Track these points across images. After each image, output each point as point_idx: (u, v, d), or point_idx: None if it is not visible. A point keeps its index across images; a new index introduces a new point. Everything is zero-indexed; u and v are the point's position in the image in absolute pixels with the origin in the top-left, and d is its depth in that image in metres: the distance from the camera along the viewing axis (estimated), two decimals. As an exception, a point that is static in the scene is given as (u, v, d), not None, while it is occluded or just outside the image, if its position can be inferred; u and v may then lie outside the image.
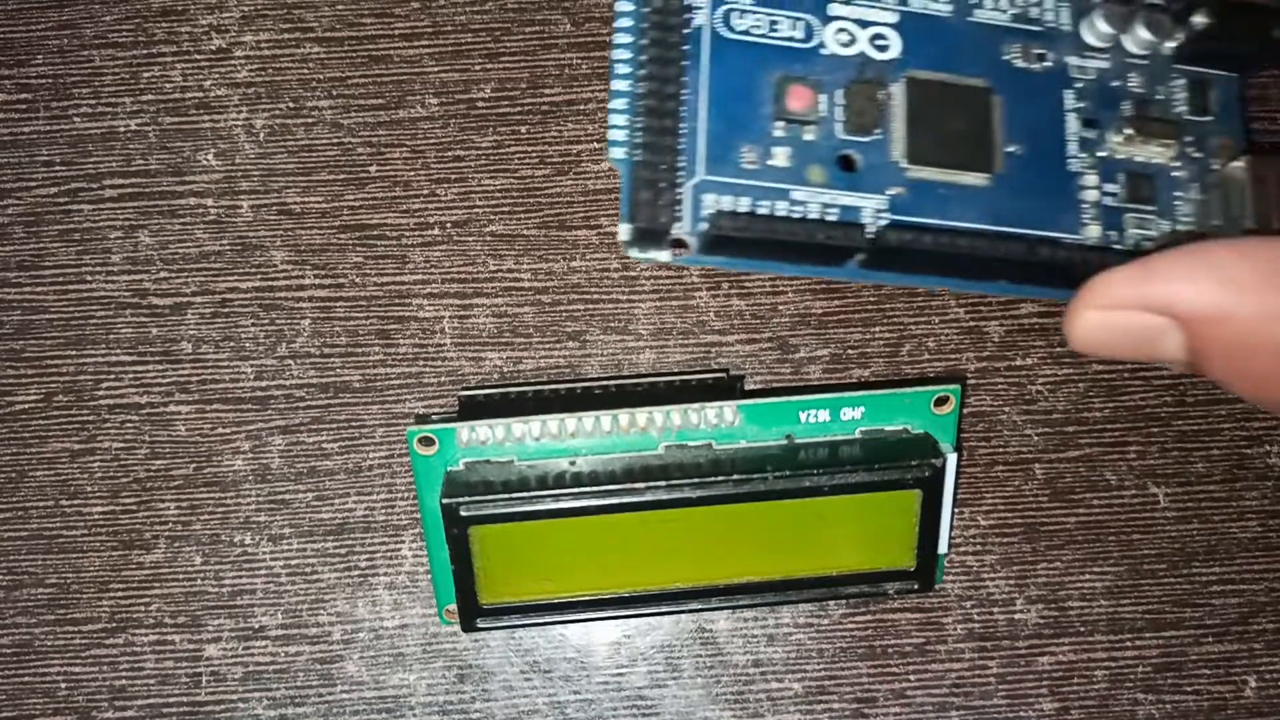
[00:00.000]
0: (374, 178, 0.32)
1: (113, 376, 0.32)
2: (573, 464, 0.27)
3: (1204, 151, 0.30)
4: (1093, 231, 0.29)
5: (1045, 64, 0.30)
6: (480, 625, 0.28)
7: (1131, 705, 0.31)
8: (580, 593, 0.28)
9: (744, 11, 0.28)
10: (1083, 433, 0.32)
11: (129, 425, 0.31)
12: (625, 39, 0.27)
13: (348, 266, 0.32)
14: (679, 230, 0.27)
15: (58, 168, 0.32)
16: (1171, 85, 0.30)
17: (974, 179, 0.29)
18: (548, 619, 0.28)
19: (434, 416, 0.31)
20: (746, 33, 0.28)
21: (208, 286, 0.32)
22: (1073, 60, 0.30)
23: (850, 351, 0.32)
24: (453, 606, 0.28)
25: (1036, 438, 0.32)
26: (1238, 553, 0.32)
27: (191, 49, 0.33)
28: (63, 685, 0.31)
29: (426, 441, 0.27)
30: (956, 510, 0.31)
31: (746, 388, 0.31)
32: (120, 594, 0.31)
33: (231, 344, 0.32)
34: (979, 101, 0.29)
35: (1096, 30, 0.29)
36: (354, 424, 0.32)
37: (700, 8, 0.28)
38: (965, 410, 0.32)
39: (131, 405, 0.32)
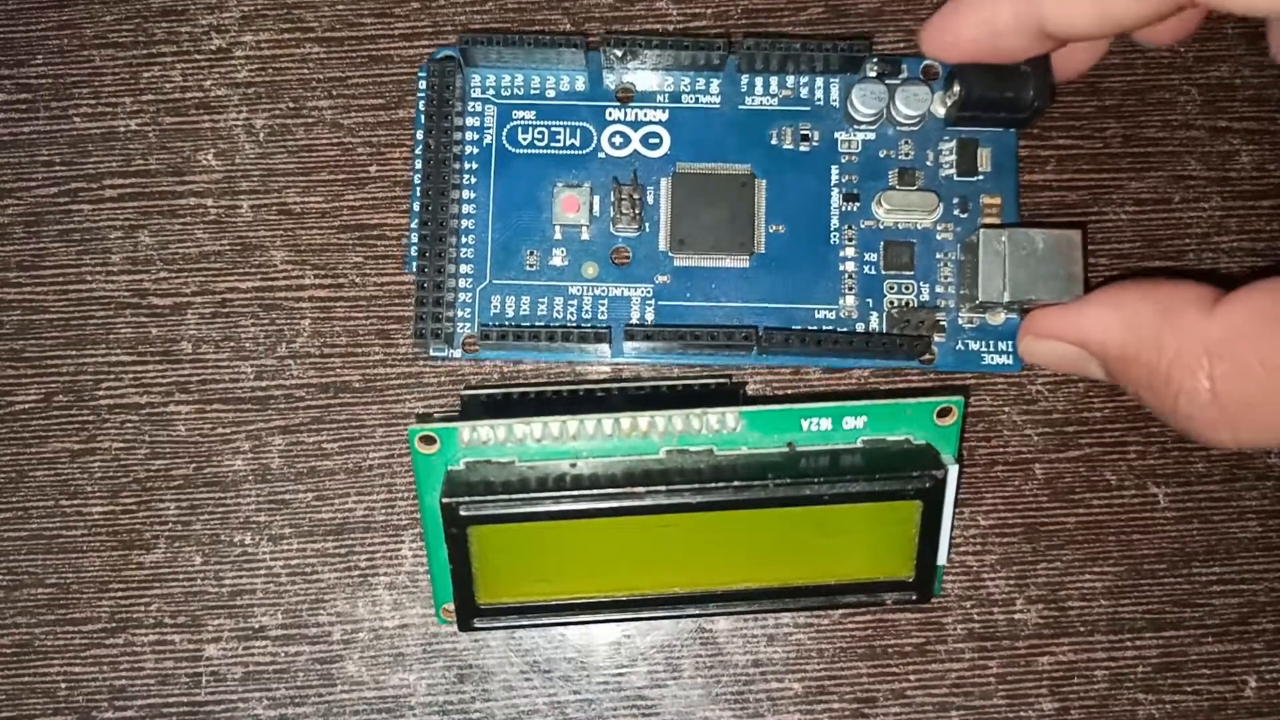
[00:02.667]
0: (374, 178, 0.32)
1: (113, 376, 0.32)
2: (573, 466, 0.27)
3: (970, 212, 0.31)
4: (849, 301, 0.31)
5: (812, 143, 0.31)
6: (477, 625, 0.28)
7: (1131, 705, 0.31)
8: (577, 595, 0.28)
9: (527, 127, 0.31)
10: (1083, 433, 0.32)
11: (129, 425, 0.31)
12: (417, 165, 0.30)
13: (348, 266, 0.32)
14: (467, 331, 0.30)
15: (58, 168, 0.32)
16: (941, 149, 0.31)
17: (734, 261, 0.31)
18: (544, 621, 0.28)
19: (435, 416, 0.31)
20: (531, 145, 0.31)
21: (208, 286, 0.32)
22: (841, 135, 0.31)
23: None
24: (450, 606, 0.28)
25: (1036, 438, 0.32)
26: (1238, 553, 0.32)
27: (191, 49, 0.33)
28: (63, 685, 0.31)
29: (428, 440, 0.27)
30: (956, 511, 0.31)
31: (749, 393, 0.31)
32: (120, 594, 0.31)
33: (231, 344, 0.32)
34: (741, 188, 0.31)
35: (860, 108, 0.31)
36: (354, 424, 0.32)
37: (489, 128, 0.31)
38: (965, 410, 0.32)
39: (131, 405, 0.32)
